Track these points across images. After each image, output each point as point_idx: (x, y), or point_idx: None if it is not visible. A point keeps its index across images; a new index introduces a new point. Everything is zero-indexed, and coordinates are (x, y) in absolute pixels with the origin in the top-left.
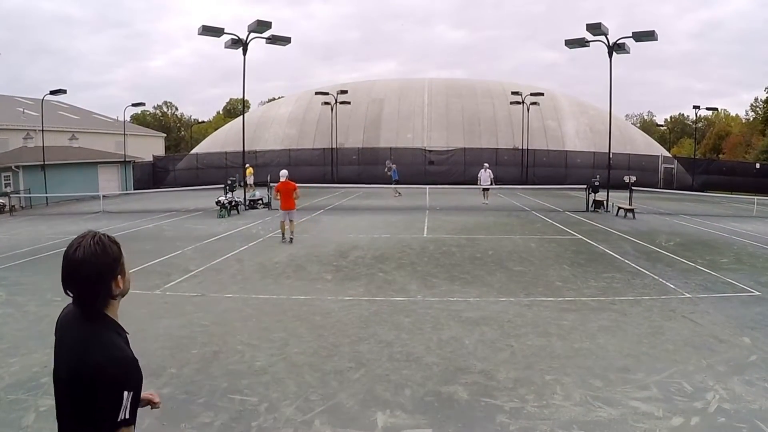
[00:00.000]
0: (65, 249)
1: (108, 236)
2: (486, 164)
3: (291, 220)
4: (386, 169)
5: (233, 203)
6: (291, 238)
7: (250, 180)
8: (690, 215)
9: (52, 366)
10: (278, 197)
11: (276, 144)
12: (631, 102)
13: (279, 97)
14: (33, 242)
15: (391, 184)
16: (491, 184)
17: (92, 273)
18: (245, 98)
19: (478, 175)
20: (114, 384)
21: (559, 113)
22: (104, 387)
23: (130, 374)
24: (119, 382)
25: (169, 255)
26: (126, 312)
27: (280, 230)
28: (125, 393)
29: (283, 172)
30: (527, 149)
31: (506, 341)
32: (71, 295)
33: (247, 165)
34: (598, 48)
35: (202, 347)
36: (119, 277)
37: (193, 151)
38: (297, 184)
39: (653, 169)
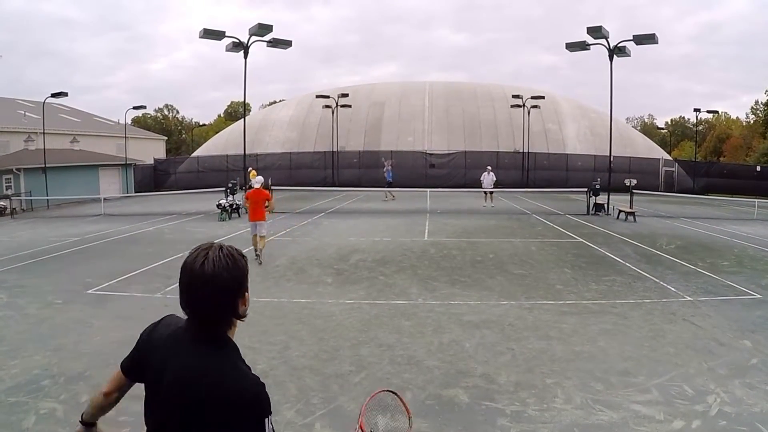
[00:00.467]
0: (186, 261)
1: (235, 248)
2: (489, 167)
3: (261, 236)
4: (384, 170)
5: (234, 206)
6: (258, 256)
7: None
8: (691, 218)
9: (151, 395)
10: (248, 205)
11: (277, 147)
12: (632, 105)
13: (280, 101)
14: (34, 245)
15: (384, 186)
16: (493, 187)
17: (223, 289)
18: (246, 101)
19: (481, 179)
20: (259, 413)
21: (559, 116)
22: (248, 416)
23: (267, 401)
24: (263, 409)
25: (170, 258)
26: (128, 315)
27: (252, 245)
28: (266, 420)
29: (258, 179)
30: (528, 152)
31: (507, 344)
32: (191, 313)
33: (249, 168)
34: (598, 51)
35: None
36: (246, 294)
37: (194, 154)
38: (272, 194)
39: (654, 172)
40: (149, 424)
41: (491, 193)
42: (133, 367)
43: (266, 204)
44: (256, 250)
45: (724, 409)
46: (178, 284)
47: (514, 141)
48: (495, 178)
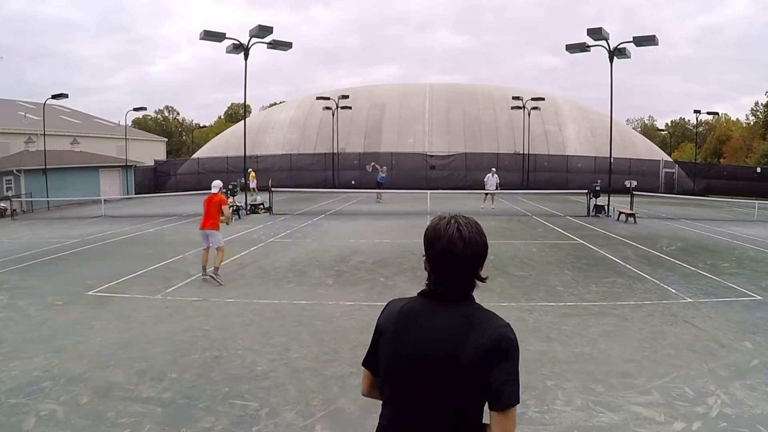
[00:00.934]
0: (437, 230)
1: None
2: (493, 169)
3: (218, 248)
4: (371, 169)
5: (235, 208)
6: (213, 276)
7: (253, 184)
8: (691, 219)
9: (404, 366)
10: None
11: (277, 149)
12: (632, 106)
13: (280, 102)
14: (34, 246)
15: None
16: (496, 188)
17: (478, 251)
18: (247, 103)
19: (485, 180)
20: (516, 353)
21: (560, 118)
22: (510, 356)
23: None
24: (517, 350)
25: (170, 259)
26: (128, 316)
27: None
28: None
29: (216, 183)
30: (528, 154)
31: None
32: (449, 274)
33: (249, 169)
34: (598, 53)
35: (203, 352)
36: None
37: (195, 155)
38: (227, 201)
39: (654, 174)
40: (395, 392)
41: (493, 195)
42: (372, 359)
43: (222, 211)
44: (204, 267)
45: (724, 410)
46: (428, 252)
47: (514, 143)
48: (498, 180)
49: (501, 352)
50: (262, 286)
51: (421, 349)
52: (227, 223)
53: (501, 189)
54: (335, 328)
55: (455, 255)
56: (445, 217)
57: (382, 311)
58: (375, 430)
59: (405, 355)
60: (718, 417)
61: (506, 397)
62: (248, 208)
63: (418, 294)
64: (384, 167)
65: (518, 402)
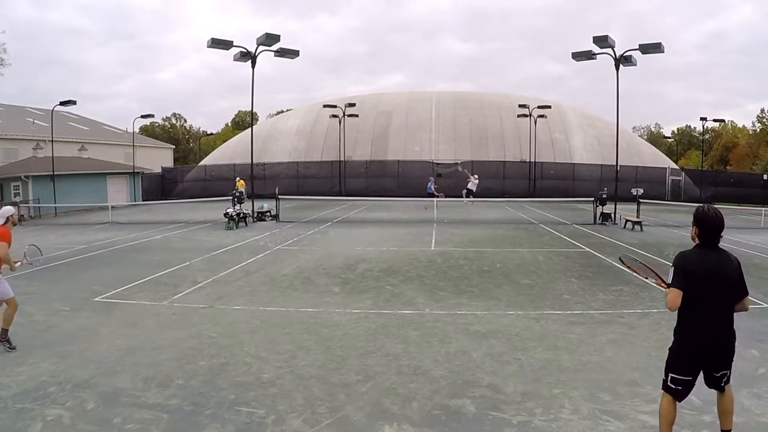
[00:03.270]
0: (708, 214)
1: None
2: (475, 175)
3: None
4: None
5: (241, 215)
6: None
7: (238, 192)
8: None
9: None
10: None
11: (284, 156)
12: (638, 114)
13: (287, 110)
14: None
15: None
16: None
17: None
18: (254, 110)
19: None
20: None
21: (566, 126)
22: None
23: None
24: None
25: (177, 266)
26: (134, 323)
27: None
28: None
29: (5, 209)
30: (535, 162)
31: (514, 354)
32: (716, 238)
33: (237, 178)
34: (604, 60)
35: (210, 359)
36: None
37: (202, 162)
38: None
39: (661, 181)
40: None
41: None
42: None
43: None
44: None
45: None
46: (701, 226)
47: (521, 150)
48: (477, 182)
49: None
50: (268, 294)
51: (715, 271)
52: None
53: (507, 197)
54: (342, 335)
55: (721, 227)
56: (708, 205)
57: (685, 255)
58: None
59: (709, 276)
60: None
61: (746, 289)
62: (255, 215)
63: (695, 246)
64: (475, 175)
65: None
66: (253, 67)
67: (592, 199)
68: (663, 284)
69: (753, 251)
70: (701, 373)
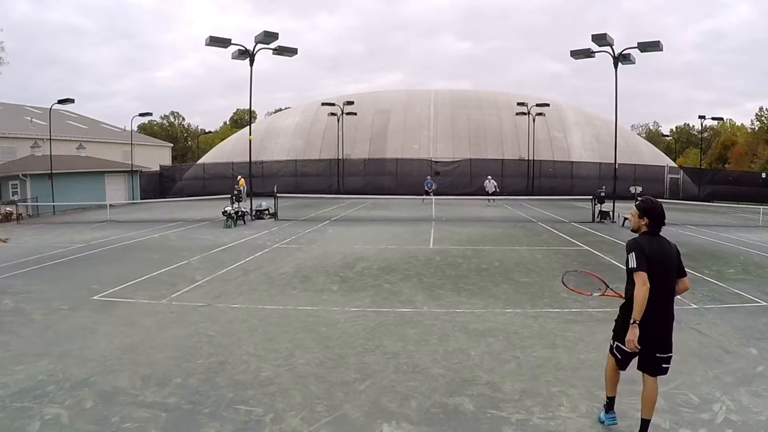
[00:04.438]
0: (657, 205)
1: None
2: (489, 176)
3: None
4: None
5: (240, 213)
6: None
7: (243, 191)
8: (696, 225)
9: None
10: None
11: (282, 155)
12: (637, 112)
13: (285, 108)
14: (39, 251)
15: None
16: (495, 191)
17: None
18: (252, 109)
19: (484, 185)
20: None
21: (564, 124)
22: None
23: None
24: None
25: (175, 265)
26: (133, 321)
27: None
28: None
29: None
30: (533, 160)
31: (512, 353)
32: (659, 225)
33: (239, 176)
34: (603, 59)
35: (208, 357)
36: None
37: (200, 161)
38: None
39: (659, 180)
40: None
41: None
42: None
43: None
44: None
45: (729, 417)
46: (651, 216)
47: (519, 149)
48: (496, 184)
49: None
50: (266, 292)
51: (661, 253)
52: None
53: (506, 195)
54: (340, 334)
55: (664, 217)
56: (651, 197)
57: (638, 241)
58: None
59: (656, 257)
60: (724, 423)
61: (684, 270)
62: (253, 213)
63: (641, 234)
64: (489, 176)
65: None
66: (251, 65)
67: (591, 197)
68: (613, 293)
69: (752, 249)
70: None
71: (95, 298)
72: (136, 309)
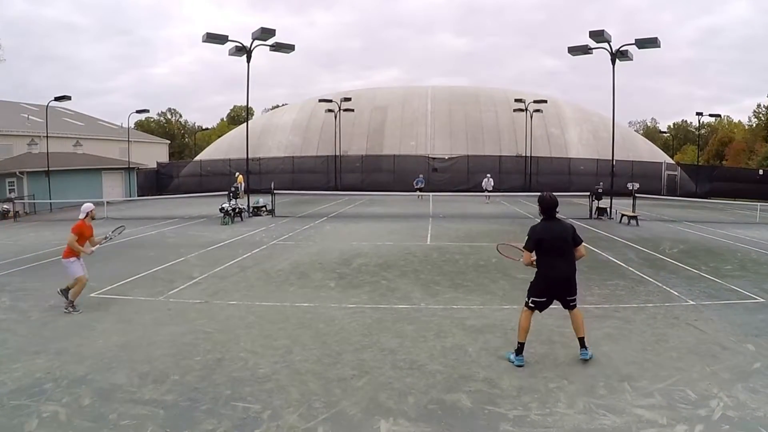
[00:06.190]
0: (544, 197)
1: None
2: (488, 174)
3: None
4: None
5: (237, 210)
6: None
7: (241, 188)
8: (693, 222)
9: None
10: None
11: (279, 151)
12: (634, 109)
13: (283, 105)
14: (36, 248)
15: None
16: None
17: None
18: (249, 105)
19: (482, 183)
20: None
21: (562, 121)
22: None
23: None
24: (574, 229)
25: (172, 262)
26: (130, 318)
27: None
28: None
29: (85, 206)
30: (530, 156)
31: (510, 349)
32: (552, 212)
33: (237, 173)
34: (600, 55)
35: (206, 354)
36: None
37: (197, 158)
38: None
39: (656, 176)
40: (546, 252)
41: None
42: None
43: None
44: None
45: (727, 413)
46: (541, 207)
47: (516, 145)
48: (493, 182)
49: (574, 230)
50: (264, 289)
51: (558, 234)
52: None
53: (504, 192)
54: (337, 330)
55: (555, 206)
56: (543, 193)
57: (536, 226)
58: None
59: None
60: (721, 420)
61: (580, 239)
62: (250, 210)
63: (542, 220)
64: (488, 174)
65: (582, 242)
66: (248, 61)
67: (588, 193)
68: (524, 254)
69: (749, 246)
70: (557, 303)
71: (92, 295)
72: (133, 306)
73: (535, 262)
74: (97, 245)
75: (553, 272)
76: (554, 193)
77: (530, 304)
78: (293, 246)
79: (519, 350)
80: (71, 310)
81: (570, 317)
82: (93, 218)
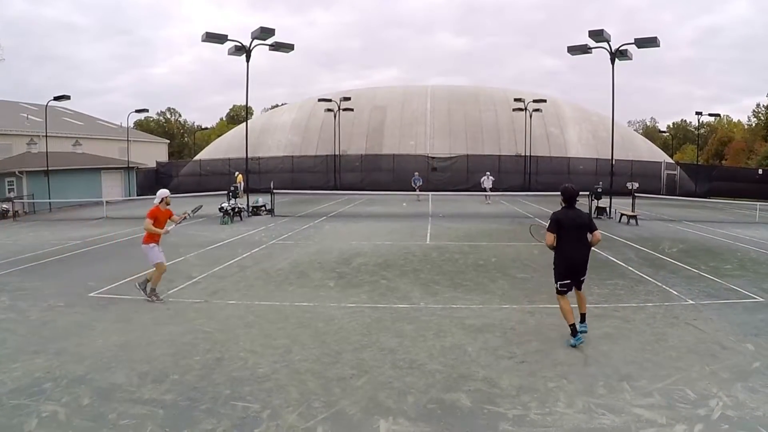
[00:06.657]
0: (567, 187)
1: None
2: (488, 172)
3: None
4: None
5: (236, 210)
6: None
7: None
8: (693, 221)
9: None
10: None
11: (279, 151)
12: (634, 108)
13: (282, 104)
14: (36, 248)
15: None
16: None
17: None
18: (248, 105)
19: (481, 182)
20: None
21: (561, 120)
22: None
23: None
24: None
25: (171, 261)
26: (130, 318)
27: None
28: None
29: (161, 192)
30: (530, 156)
31: (509, 348)
32: (572, 201)
33: (236, 172)
34: (599, 55)
35: (205, 354)
36: None
37: (197, 157)
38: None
39: (656, 176)
40: (566, 235)
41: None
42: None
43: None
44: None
45: (726, 412)
46: (563, 196)
47: (516, 145)
48: (493, 180)
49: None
50: (263, 288)
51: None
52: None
53: (503, 191)
54: (337, 330)
55: (576, 195)
56: (565, 185)
57: (558, 213)
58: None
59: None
60: (720, 419)
61: (595, 227)
62: (250, 210)
63: (563, 207)
64: (487, 172)
65: (597, 228)
66: (247, 61)
67: (588, 193)
68: (547, 235)
69: (748, 245)
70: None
71: (92, 295)
72: (132, 306)
73: (554, 246)
74: (176, 224)
75: (573, 254)
76: (554, 193)
77: (560, 289)
78: (293, 245)
79: (573, 331)
80: (154, 299)
81: (575, 295)
82: (168, 204)
